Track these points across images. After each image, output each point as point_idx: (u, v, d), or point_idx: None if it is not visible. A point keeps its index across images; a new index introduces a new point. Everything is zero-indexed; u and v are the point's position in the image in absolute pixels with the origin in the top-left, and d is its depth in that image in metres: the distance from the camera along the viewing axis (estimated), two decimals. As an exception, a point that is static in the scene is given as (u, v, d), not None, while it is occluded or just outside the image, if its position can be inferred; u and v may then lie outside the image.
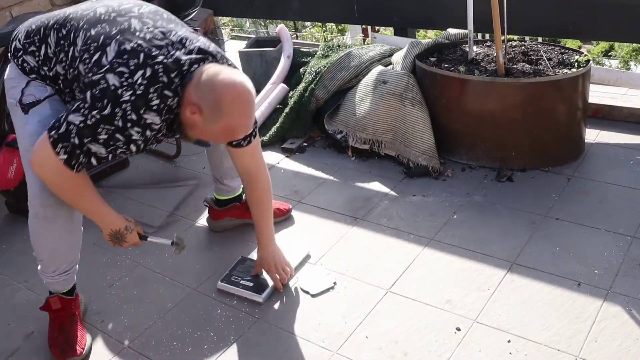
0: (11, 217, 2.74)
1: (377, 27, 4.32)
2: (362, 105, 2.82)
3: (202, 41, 1.72)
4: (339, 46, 3.32)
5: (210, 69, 1.63)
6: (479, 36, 3.34)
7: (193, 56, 1.65)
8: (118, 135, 1.61)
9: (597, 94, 2.96)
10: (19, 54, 1.78)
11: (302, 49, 3.54)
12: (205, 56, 1.68)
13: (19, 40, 1.80)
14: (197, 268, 2.25)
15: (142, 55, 1.61)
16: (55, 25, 1.76)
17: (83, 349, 1.90)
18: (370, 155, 2.84)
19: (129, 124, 1.59)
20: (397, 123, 2.71)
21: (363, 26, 4.76)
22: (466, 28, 2.76)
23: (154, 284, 2.19)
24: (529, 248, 2.11)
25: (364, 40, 4.55)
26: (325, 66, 3.07)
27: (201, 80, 1.61)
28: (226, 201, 2.40)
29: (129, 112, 1.58)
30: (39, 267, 1.93)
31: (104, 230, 1.82)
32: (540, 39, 3.31)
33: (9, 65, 1.84)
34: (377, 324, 1.88)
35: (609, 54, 13.18)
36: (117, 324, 2.02)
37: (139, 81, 1.58)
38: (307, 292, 2.04)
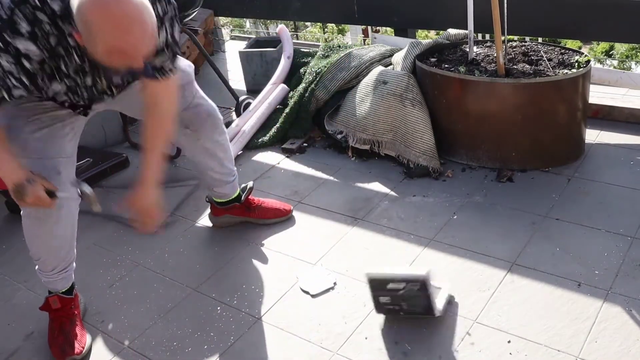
0: (11, 217, 2.74)
1: (377, 28, 4.32)
2: (362, 105, 2.82)
3: None
4: (339, 46, 3.32)
5: None
6: (479, 36, 3.34)
7: None
8: None
9: (598, 95, 2.96)
10: None
11: (302, 50, 3.54)
12: None
13: None
14: (197, 268, 2.25)
15: None
16: None
17: (83, 348, 1.90)
18: (371, 156, 2.84)
19: None
20: (397, 123, 2.71)
21: (363, 26, 4.76)
22: (466, 28, 2.76)
23: (154, 284, 2.19)
24: (529, 248, 2.11)
25: (364, 40, 4.56)
26: (325, 66, 3.08)
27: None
28: (224, 202, 2.40)
29: None
30: (37, 266, 1.93)
31: (7, 184, 1.64)
32: (540, 40, 3.31)
33: None
34: (377, 324, 1.87)
35: (610, 53, 13.18)
36: (117, 324, 2.02)
37: (6, 4, 1.42)
38: (307, 293, 2.04)
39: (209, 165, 2.24)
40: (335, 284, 2.06)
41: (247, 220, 2.43)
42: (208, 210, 2.48)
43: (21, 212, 1.81)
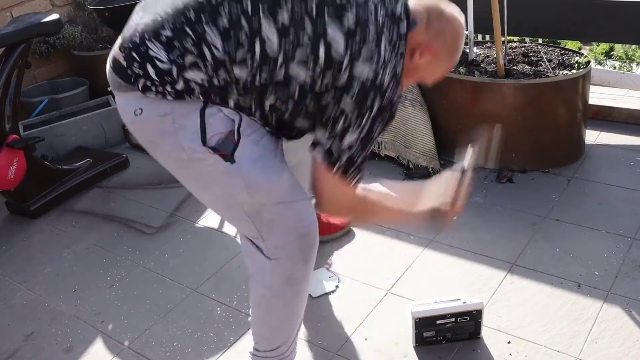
0: (11, 218, 2.74)
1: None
2: (362, 106, 2.82)
3: None
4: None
5: (432, 5, 1.45)
6: (479, 37, 3.34)
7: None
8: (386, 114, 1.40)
9: (598, 95, 2.96)
10: (172, 76, 1.25)
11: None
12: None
13: (157, 61, 1.24)
14: (197, 269, 2.24)
15: (371, 20, 1.28)
16: (201, 15, 1.23)
17: None
18: (370, 156, 2.84)
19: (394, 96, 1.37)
20: (397, 124, 2.70)
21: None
22: (466, 29, 2.76)
23: (154, 285, 2.18)
24: (529, 249, 2.11)
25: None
26: (325, 67, 3.07)
27: (432, 18, 1.43)
28: None
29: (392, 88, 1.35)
30: (257, 349, 1.58)
31: (425, 217, 1.53)
32: (540, 40, 3.31)
33: (135, 102, 1.31)
34: (376, 325, 1.87)
35: (610, 54, 13.18)
36: (117, 324, 2.02)
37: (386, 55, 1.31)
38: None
39: None
40: (337, 287, 2.06)
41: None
42: (208, 210, 2.47)
43: (277, 282, 1.48)
